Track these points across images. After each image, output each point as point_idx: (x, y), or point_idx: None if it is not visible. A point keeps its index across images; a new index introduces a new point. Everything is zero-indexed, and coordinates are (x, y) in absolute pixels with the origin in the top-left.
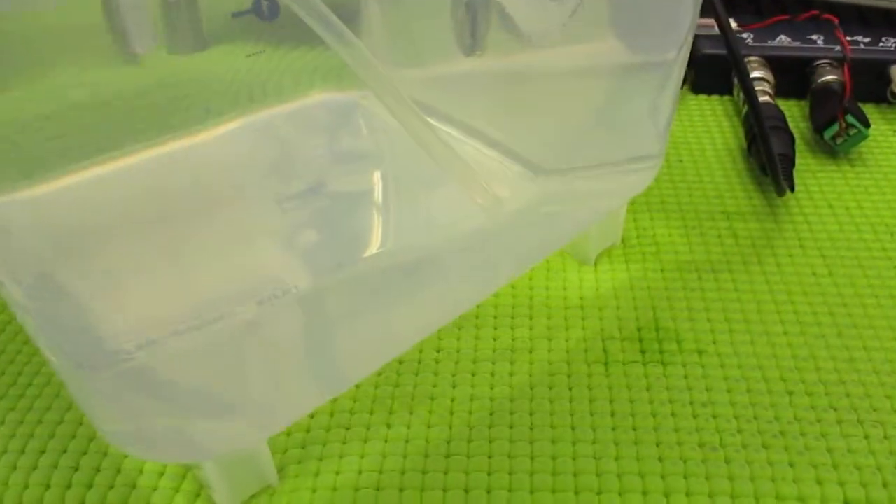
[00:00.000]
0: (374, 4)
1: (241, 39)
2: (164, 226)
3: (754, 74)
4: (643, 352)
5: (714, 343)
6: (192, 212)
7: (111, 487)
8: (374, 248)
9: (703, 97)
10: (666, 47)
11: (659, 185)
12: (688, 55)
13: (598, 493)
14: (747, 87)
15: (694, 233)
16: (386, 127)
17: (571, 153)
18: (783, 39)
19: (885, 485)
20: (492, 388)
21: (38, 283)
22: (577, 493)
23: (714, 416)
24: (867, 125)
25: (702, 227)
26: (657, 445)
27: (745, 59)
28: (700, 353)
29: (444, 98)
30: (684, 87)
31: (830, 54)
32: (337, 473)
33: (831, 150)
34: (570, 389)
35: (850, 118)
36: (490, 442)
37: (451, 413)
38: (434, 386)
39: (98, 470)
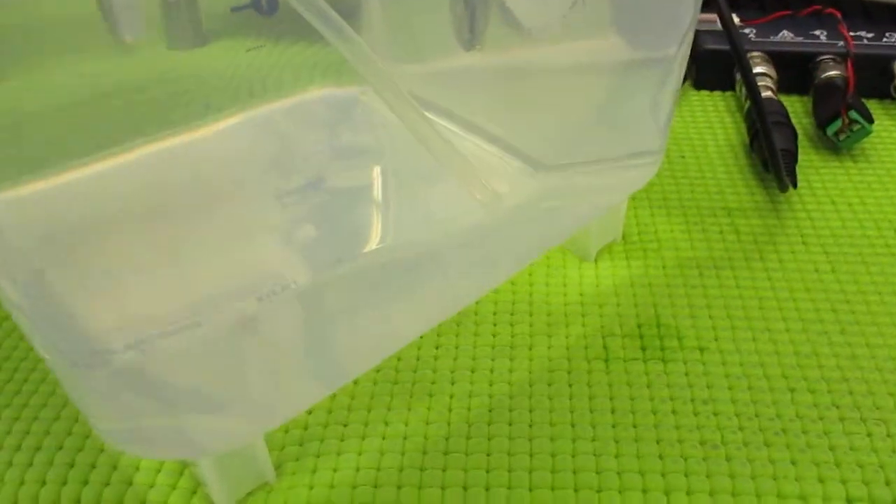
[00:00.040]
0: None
1: (241, 35)
2: (163, 221)
3: (757, 70)
4: (644, 349)
5: (715, 340)
6: (192, 207)
7: (107, 484)
8: (373, 243)
9: (704, 93)
10: (667, 43)
11: (660, 181)
12: (689, 51)
13: (598, 491)
14: (750, 82)
15: (696, 229)
16: (385, 122)
17: (571, 149)
18: (786, 35)
19: (887, 483)
20: (491, 385)
21: (32, 280)
22: (576, 490)
23: (715, 414)
24: (870, 121)
25: (703, 223)
26: (658, 443)
27: (748, 55)
28: (701, 350)
29: (445, 93)
30: (686, 83)
31: (833, 50)
32: (334, 470)
33: (834, 146)
34: (570, 386)
35: (853, 114)
36: (489, 439)
37: (450, 410)
38: (432, 383)
39: (94, 466)
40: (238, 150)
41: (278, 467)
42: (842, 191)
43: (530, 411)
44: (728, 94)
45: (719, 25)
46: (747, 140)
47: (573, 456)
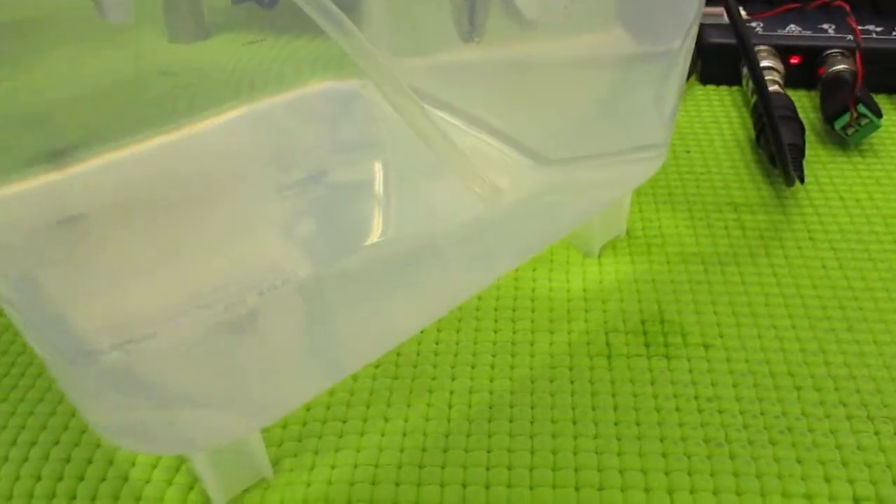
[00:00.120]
0: None
1: (243, 28)
2: (163, 215)
3: (764, 64)
4: (647, 345)
5: (720, 336)
6: (193, 201)
7: (103, 479)
8: (374, 237)
9: (710, 87)
10: (671, 36)
11: (665, 177)
12: (693, 44)
13: (600, 490)
14: (757, 76)
15: (700, 224)
16: (386, 116)
17: (574, 142)
18: (793, 28)
19: (895, 482)
20: (491, 381)
21: (23, 278)
22: (577, 489)
23: (720, 411)
24: (879, 115)
25: (708, 218)
26: (661, 441)
27: (755, 49)
28: (706, 346)
29: (446, 87)
30: (692, 77)
31: (842, 43)
32: (332, 467)
33: (842, 141)
34: (572, 383)
35: (861, 108)
36: (489, 436)
37: (450, 406)
38: (433, 379)
39: (90, 462)
40: (239, 143)
41: (276, 463)
42: (849, 186)
43: (531, 408)
44: (734, 88)
45: (726, 19)
46: (754, 135)
47: (575, 454)
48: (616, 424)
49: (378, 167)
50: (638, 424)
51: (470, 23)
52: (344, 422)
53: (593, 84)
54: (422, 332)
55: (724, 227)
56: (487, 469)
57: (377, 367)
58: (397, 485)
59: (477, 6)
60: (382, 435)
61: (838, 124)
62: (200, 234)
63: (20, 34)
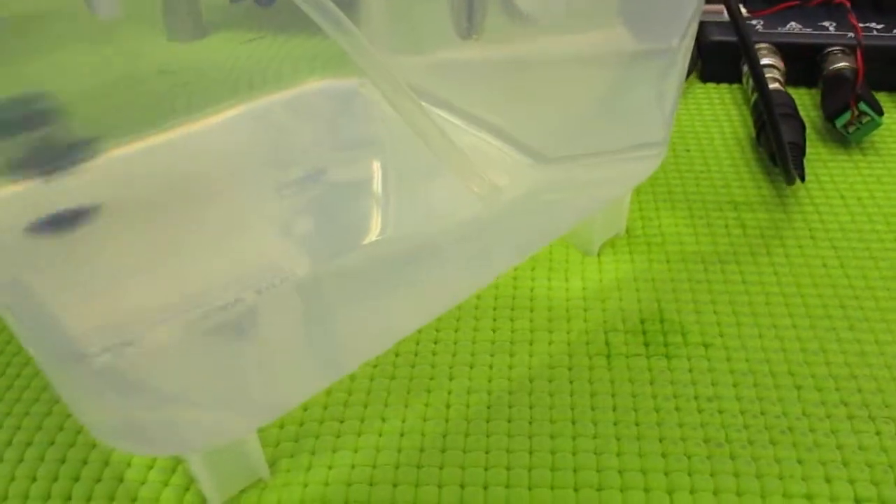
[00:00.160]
0: None
1: (241, 27)
2: (161, 213)
3: (764, 62)
4: (647, 344)
5: (720, 336)
6: (191, 199)
7: (98, 480)
8: (372, 235)
9: (711, 85)
10: (669, 34)
11: (665, 175)
12: (692, 43)
13: (599, 490)
14: (757, 73)
15: (700, 223)
16: (385, 114)
17: (574, 141)
18: (794, 26)
19: None
20: (490, 381)
21: (17, 277)
22: (576, 489)
23: (720, 411)
24: (880, 113)
25: (709, 217)
26: (660, 441)
27: (755, 47)
28: (706, 346)
29: (445, 85)
30: (692, 75)
31: (842, 41)
32: (329, 468)
33: (843, 139)
34: (571, 383)
35: (862, 106)
36: (487, 436)
37: (448, 406)
38: (431, 378)
39: (85, 462)
40: (237, 142)
41: (273, 464)
42: (851, 184)
43: (530, 408)
44: (735, 86)
45: (726, 16)
46: (754, 133)
47: (573, 454)
48: (615, 424)
49: (377, 165)
50: (637, 424)
51: (468, 20)
52: (341, 422)
53: (592, 82)
54: (420, 331)
55: (725, 226)
56: (485, 469)
57: (375, 366)
58: (395, 485)
59: (475, 3)
60: (380, 435)
61: (839, 122)
62: (198, 233)
63: (17, 32)
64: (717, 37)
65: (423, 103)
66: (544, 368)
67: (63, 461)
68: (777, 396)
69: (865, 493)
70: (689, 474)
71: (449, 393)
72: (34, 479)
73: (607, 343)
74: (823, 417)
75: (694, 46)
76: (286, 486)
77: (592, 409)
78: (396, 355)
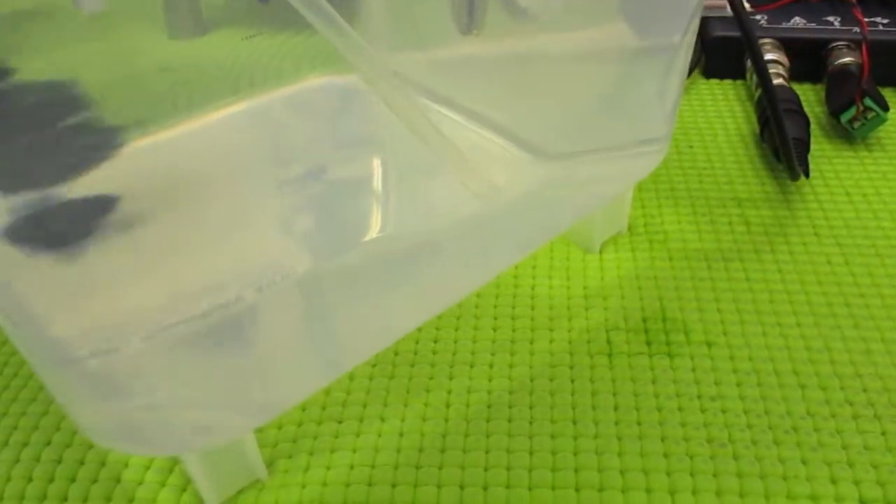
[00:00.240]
0: None
1: (241, 24)
2: (162, 211)
3: (768, 57)
4: (649, 343)
5: (724, 334)
6: (192, 197)
7: (94, 481)
8: (373, 233)
9: (714, 81)
10: (671, 30)
11: (668, 172)
12: (694, 38)
13: (600, 490)
14: (761, 68)
15: (704, 220)
16: (385, 111)
17: (575, 137)
18: (798, 21)
19: None
20: (490, 381)
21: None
22: (577, 490)
23: (723, 411)
24: (886, 109)
25: (712, 214)
26: (662, 441)
27: (759, 42)
28: (709, 344)
29: (446, 82)
30: (696, 71)
31: (847, 36)
32: (328, 468)
33: (848, 135)
34: (572, 382)
35: (868, 101)
36: (487, 436)
37: (448, 406)
38: (430, 378)
39: (82, 463)
40: (238, 139)
41: (270, 464)
42: (856, 181)
43: (531, 408)
44: (738, 82)
45: (730, 11)
46: (758, 129)
47: (575, 454)
48: (617, 424)
49: (377, 163)
50: (639, 424)
51: (469, 15)
52: (340, 422)
53: (593, 78)
54: (420, 330)
55: (728, 223)
56: (485, 470)
57: (374, 366)
58: (394, 486)
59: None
60: (379, 435)
61: (844, 118)
62: (198, 231)
63: (13, 29)
64: (721, 32)
65: (424, 100)
66: (545, 367)
67: (59, 461)
68: (781, 396)
69: (871, 493)
70: (692, 475)
71: (449, 392)
72: (30, 480)
73: (609, 342)
74: (828, 417)
75: (697, 42)
76: (284, 487)
77: (594, 408)
78: (396, 354)
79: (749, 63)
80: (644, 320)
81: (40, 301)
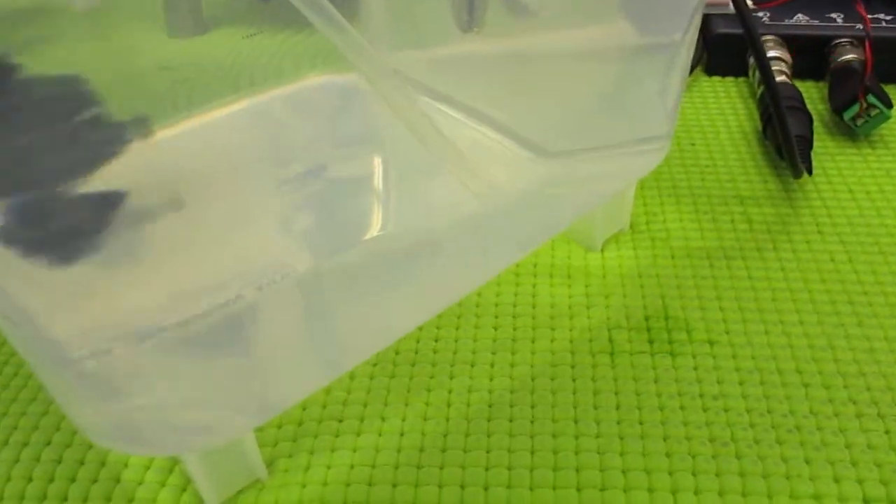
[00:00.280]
0: None
1: (242, 23)
2: (161, 210)
3: (770, 54)
4: (651, 342)
5: (726, 333)
6: (192, 195)
7: (94, 481)
8: (373, 231)
9: (716, 79)
10: (672, 27)
11: (670, 169)
12: (696, 36)
13: (602, 490)
14: (764, 65)
15: (706, 218)
16: (386, 110)
17: (575, 135)
18: (801, 18)
19: None
20: (491, 380)
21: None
22: (579, 489)
23: (725, 410)
24: (889, 106)
25: (714, 212)
26: (665, 440)
27: (761, 39)
28: (711, 343)
29: (447, 80)
30: (698, 69)
31: (850, 32)
32: (328, 468)
33: (851, 132)
34: (574, 381)
35: (871, 98)
36: (488, 436)
37: (449, 405)
38: (431, 377)
39: (82, 463)
40: (238, 138)
41: (270, 464)
42: (859, 178)
43: (532, 407)
44: (741, 79)
45: (732, 8)
46: (760, 126)
47: (576, 453)
48: (619, 423)
49: (377, 161)
50: (641, 423)
51: (469, 13)
52: (340, 421)
53: (594, 76)
54: (420, 329)
55: (730, 221)
56: (486, 470)
57: (375, 365)
58: (394, 486)
59: None
60: (379, 435)
61: (847, 115)
62: (198, 229)
63: (13, 28)
64: (723, 29)
65: (424, 98)
66: (547, 367)
67: (59, 461)
68: (784, 394)
69: (874, 492)
70: (694, 474)
71: (450, 392)
72: (30, 480)
73: (611, 341)
74: (831, 416)
75: (699, 39)
76: (284, 487)
77: (595, 407)
78: (396, 353)
79: (751, 60)
80: (646, 319)
81: (39, 301)
